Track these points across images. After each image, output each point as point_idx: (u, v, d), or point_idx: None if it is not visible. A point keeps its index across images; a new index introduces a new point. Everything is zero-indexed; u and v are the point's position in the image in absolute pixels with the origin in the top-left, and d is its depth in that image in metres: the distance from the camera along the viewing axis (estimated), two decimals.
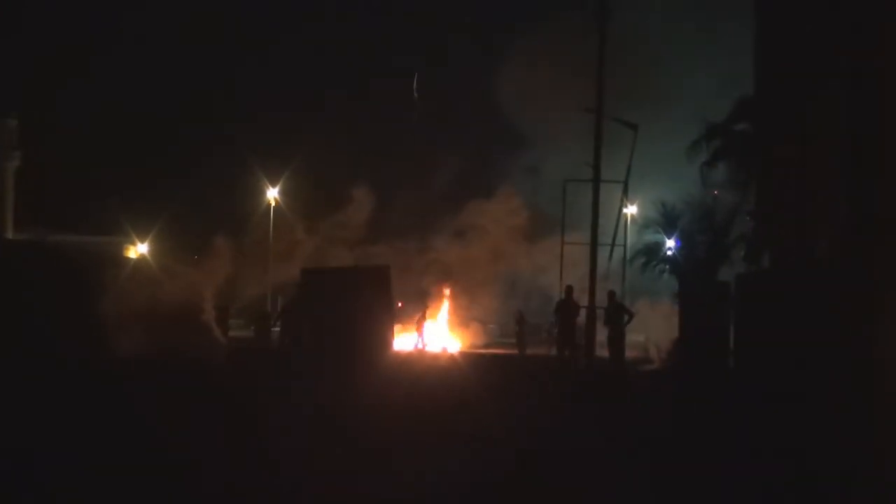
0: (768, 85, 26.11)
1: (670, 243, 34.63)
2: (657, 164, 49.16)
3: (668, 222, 33.85)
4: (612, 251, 35.81)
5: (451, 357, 47.44)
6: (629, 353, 37.07)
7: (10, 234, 74.18)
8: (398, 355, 42.22)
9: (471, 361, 41.61)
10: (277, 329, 43.28)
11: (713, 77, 52.83)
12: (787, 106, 23.08)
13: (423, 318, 54.01)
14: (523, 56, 68.00)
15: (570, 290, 33.75)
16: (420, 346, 52.42)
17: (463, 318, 59.23)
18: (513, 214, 61.80)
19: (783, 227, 24.34)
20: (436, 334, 57.59)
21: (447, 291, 60.42)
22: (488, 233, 62.14)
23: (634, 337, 44.40)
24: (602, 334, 33.19)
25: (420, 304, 56.20)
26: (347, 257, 54.04)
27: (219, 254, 45.71)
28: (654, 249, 34.70)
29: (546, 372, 32.62)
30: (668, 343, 37.85)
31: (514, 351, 49.82)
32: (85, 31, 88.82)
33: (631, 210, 50.81)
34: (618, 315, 33.16)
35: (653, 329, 48.76)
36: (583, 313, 33.77)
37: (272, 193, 69.46)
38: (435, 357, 47.52)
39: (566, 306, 33.43)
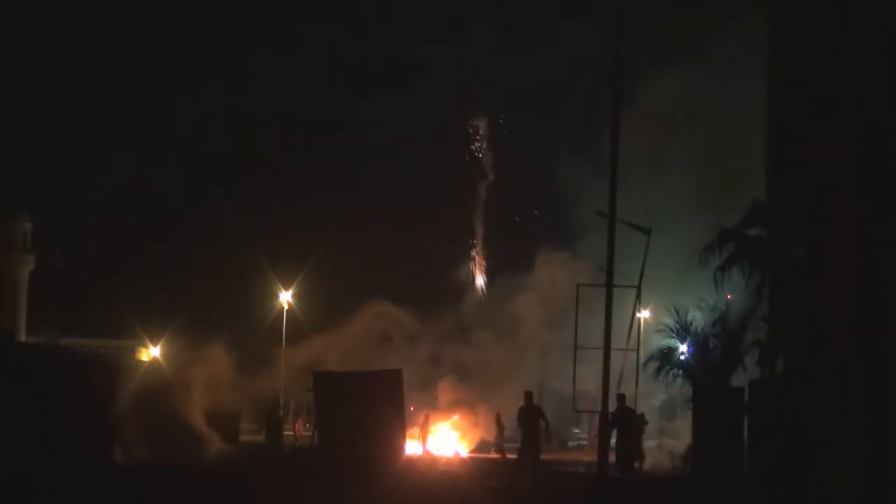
0: (780, 188, 26.12)
1: (683, 348, 34.36)
2: (670, 268, 49.09)
3: (682, 327, 33.56)
4: (625, 356, 35.59)
5: (462, 462, 47.05)
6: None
7: (22, 337, 74.18)
8: (409, 460, 41.86)
9: (479, 468, 41.28)
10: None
11: (727, 180, 52.88)
12: (799, 209, 23.05)
13: (427, 422, 53.62)
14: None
15: (529, 395, 34.32)
16: (425, 449, 52.06)
17: (473, 422, 58.74)
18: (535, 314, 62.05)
19: (797, 331, 24.20)
20: (447, 438, 57.29)
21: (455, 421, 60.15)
22: (510, 331, 62.36)
23: (647, 442, 44.00)
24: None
25: (425, 408, 55.83)
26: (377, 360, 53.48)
27: (228, 358, 45.39)
28: (668, 354, 34.39)
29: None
30: (682, 449, 37.51)
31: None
32: (93, 133, 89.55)
33: (644, 314, 50.55)
34: (628, 419, 32.85)
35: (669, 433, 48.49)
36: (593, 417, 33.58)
37: (285, 297, 69.58)
38: (447, 462, 47.14)
39: (527, 412, 33.91)
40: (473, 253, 66.95)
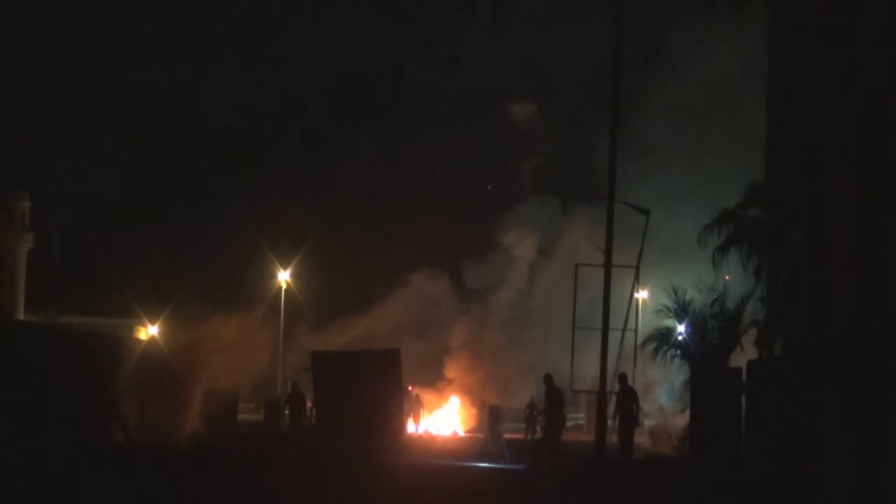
0: (779, 171, 26.10)
1: (681, 328, 34.45)
2: (669, 249, 49.15)
3: (680, 308, 33.62)
4: (622, 336, 35.66)
5: (461, 441, 47.19)
6: (639, 439, 36.82)
7: (20, 315, 74.17)
8: (409, 439, 42.00)
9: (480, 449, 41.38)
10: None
11: (727, 160, 52.88)
12: (799, 191, 23.01)
13: (418, 403, 53.63)
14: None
15: (549, 378, 33.39)
16: (419, 430, 52.17)
17: (474, 401, 58.72)
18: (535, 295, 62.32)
19: (795, 313, 24.19)
20: (446, 417, 57.49)
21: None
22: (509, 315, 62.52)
23: (646, 421, 44.07)
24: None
25: (416, 390, 55.88)
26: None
27: (228, 335, 45.19)
28: (666, 335, 34.45)
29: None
30: (679, 429, 37.57)
31: (521, 436, 49.55)
32: (93, 110, 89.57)
33: (642, 295, 50.60)
34: (629, 401, 32.88)
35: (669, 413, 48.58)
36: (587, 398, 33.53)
37: (283, 276, 69.52)
38: (446, 441, 47.32)
39: (549, 396, 33.02)
40: (513, 233, 66.77)
